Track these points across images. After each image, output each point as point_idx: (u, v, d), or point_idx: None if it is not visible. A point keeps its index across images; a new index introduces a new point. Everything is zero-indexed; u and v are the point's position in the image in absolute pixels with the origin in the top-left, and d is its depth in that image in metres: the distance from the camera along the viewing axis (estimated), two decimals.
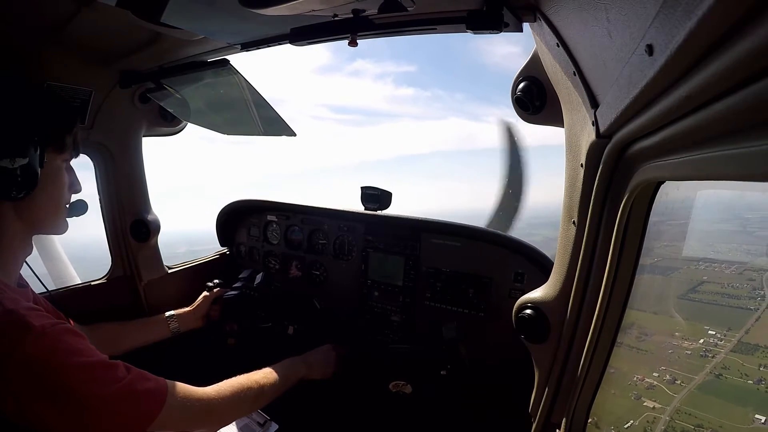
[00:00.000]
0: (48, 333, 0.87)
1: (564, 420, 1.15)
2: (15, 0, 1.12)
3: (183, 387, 1.08)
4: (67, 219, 1.24)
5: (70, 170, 1.21)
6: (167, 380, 1.04)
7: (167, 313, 1.91)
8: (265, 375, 1.39)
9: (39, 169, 1.03)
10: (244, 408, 1.30)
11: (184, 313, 1.95)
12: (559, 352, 1.13)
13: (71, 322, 1.30)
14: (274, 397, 1.39)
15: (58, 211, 1.17)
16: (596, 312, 0.97)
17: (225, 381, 1.26)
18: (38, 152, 1.03)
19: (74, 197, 1.25)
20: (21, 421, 0.84)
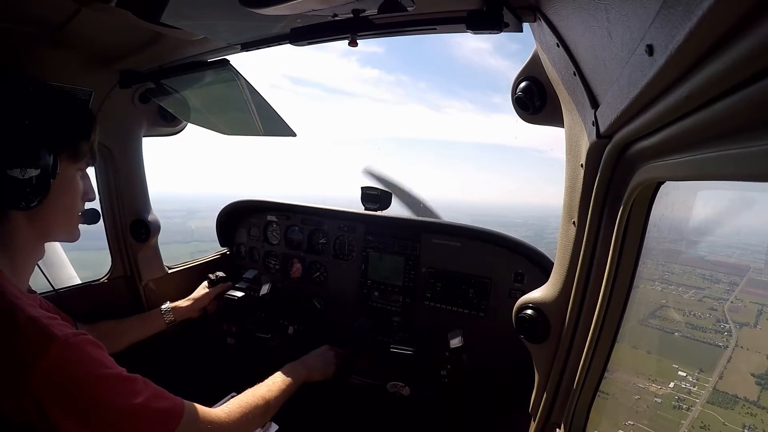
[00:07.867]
0: (71, 343, 0.87)
1: (564, 420, 1.15)
2: (15, 0, 1.12)
3: (199, 408, 1.06)
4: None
5: (86, 178, 1.18)
6: (184, 401, 1.03)
7: (163, 307, 1.92)
8: (269, 388, 1.39)
9: (51, 180, 1.00)
10: (254, 425, 1.31)
11: (181, 305, 1.97)
12: (559, 352, 1.13)
13: (75, 322, 1.30)
14: (279, 407, 1.39)
15: (70, 220, 1.14)
16: (596, 312, 0.97)
17: (233, 400, 1.25)
18: (52, 161, 1.00)
19: (88, 205, 1.23)
20: (44, 429, 0.84)
